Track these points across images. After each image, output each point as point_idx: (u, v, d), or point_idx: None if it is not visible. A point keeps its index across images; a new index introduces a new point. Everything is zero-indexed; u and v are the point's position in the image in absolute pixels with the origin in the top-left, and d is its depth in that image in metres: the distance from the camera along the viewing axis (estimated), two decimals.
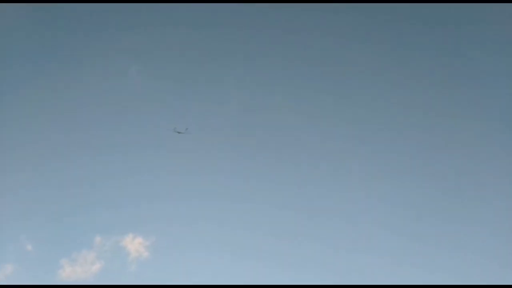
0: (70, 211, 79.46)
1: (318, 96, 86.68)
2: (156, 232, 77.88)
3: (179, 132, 78.65)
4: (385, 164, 79.08)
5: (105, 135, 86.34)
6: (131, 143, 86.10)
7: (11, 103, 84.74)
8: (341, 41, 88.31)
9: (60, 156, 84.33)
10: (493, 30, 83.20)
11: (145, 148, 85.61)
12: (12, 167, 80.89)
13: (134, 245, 76.88)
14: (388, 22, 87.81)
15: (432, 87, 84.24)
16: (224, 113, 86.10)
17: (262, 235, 75.90)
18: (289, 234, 74.86)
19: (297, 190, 78.41)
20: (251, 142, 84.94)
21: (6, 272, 72.00)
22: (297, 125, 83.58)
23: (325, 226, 74.30)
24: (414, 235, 72.01)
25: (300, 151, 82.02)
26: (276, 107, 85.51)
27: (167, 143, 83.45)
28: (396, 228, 73.27)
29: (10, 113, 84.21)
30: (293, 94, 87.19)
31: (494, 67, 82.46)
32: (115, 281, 73.14)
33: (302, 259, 71.78)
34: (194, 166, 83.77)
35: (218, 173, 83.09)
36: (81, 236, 77.04)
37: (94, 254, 75.81)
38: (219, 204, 79.60)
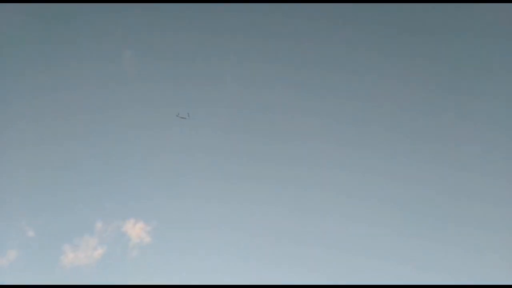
0: (71, 196, 79.58)
1: (318, 95, 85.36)
2: (157, 217, 77.94)
3: (182, 117, 77.50)
4: (385, 164, 78.25)
5: (104, 120, 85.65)
6: (132, 127, 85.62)
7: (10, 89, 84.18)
8: (342, 41, 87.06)
9: (61, 141, 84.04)
10: (493, 30, 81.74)
11: (148, 132, 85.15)
12: (14, 154, 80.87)
13: (136, 230, 76.93)
14: (388, 22, 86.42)
15: (433, 86, 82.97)
16: (223, 98, 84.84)
17: (263, 223, 75.86)
18: (291, 225, 74.61)
19: (300, 186, 78.09)
20: (253, 128, 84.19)
21: (10, 258, 72.64)
22: (298, 124, 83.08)
23: (326, 226, 73.79)
24: (414, 235, 71.53)
25: (301, 151, 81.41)
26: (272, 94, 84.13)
27: (170, 127, 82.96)
28: (396, 228, 72.74)
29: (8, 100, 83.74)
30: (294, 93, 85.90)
31: (494, 67, 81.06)
32: (118, 266, 73.96)
33: (304, 258, 71.37)
34: (197, 152, 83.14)
35: (222, 159, 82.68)
36: (83, 222, 77.18)
37: (96, 240, 76.14)
38: (222, 191, 79.49)
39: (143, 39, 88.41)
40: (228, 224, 76.10)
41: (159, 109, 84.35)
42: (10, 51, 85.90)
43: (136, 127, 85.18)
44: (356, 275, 67.28)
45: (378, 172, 76.95)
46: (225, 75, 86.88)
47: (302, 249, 71.52)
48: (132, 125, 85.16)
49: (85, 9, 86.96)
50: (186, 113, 76.75)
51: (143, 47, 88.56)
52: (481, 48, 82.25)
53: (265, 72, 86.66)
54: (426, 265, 67.71)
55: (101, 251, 75.14)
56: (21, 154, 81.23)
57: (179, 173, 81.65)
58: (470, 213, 71.54)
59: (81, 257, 74.49)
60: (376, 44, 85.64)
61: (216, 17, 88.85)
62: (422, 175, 75.69)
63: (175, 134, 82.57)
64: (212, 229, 76.10)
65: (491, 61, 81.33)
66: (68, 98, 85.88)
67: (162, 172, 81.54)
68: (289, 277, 67.64)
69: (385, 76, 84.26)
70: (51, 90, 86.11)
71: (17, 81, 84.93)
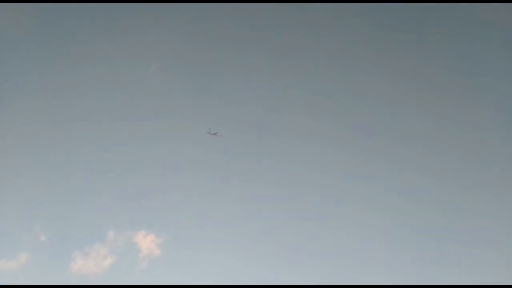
0: (86, 204, 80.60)
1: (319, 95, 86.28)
2: (168, 230, 78.46)
3: (212, 134, 78.59)
4: (386, 164, 78.53)
5: (124, 129, 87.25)
6: (149, 138, 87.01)
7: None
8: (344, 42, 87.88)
9: (81, 148, 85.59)
10: (493, 30, 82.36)
11: (165, 144, 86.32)
12: (30, 158, 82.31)
13: (146, 242, 77.32)
14: (388, 22, 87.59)
15: (433, 87, 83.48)
16: (242, 113, 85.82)
17: (272, 236, 76.18)
18: (298, 235, 74.89)
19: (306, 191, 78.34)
20: (267, 144, 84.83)
21: (21, 261, 73.18)
22: (302, 126, 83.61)
23: (328, 226, 74.20)
24: (415, 234, 71.49)
25: (303, 153, 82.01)
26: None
27: (188, 141, 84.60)
28: (396, 228, 72.60)
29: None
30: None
31: (494, 67, 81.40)
32: (126, 277, 74.03)
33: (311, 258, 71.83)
34: (213, 167, 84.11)
35: (234, 175, 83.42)
36: (95, 230, 77.91)
37: (106, 249, 76.57)
38: (233, 206, 79.92)
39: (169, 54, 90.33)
40: (239, 242, 76.63)
41: (178, 122, 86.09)
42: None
43: (154, 138, 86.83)
44: (356, 275, 67.29)
45: (378, 172, 77.50)
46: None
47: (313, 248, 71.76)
48: (150, 136, 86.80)
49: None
50: (216, 131, 77.53)
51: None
52: (481, 48, 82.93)
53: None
54: (426, 265, 67.79)
55: (111, 261, 75.64)
56: (39, 159, 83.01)
57: (194, 189, 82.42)
58: (470, 212, 71.61)
59: (90, 265, 74.99)
60: (376, 43, 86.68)
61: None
62: (422, 175, 75.94)
63: (190, 148, 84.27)
64: (223, 247, 76.54)
65: (492, 61, 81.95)
66: (88, 107, 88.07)
67: (177, 187, 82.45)
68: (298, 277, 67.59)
69: (385, 75, 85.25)
70: (72, 96, 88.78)
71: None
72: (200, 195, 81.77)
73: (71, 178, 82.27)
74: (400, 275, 66.24)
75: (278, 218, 77.91)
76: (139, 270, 75.17)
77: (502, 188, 72.52)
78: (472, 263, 67.00)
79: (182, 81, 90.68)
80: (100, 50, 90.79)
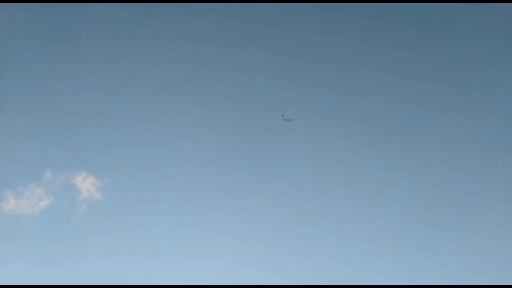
0: (20, 139, 74.18)
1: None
2: (110, 173, 73.87)
3: (286, 120, 72.70)
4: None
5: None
6: None
7: None
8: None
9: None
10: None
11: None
12: None
13: (86, 184, 72.71)
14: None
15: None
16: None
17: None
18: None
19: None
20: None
21: None
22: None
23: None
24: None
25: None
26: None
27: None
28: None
29: None
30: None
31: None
32: (63, 219, 69.85)
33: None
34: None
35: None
36: (30, 169, 72.27)
37: (42, 190, 71.44)
38: (181, 154, 76.37)
39: None
40: (188, 193, 73.55)
41: None
42: None
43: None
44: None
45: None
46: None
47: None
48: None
49: None
50: (291, 117, 72.52)
51: None
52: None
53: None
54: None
55: (47, 202, 70.78)
56: None
57: (141, 135, 77.70)
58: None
59: (24, 206, 69.87)
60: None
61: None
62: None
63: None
64: (167, 194, 73.32)
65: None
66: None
67: (125, 132, 77.64)
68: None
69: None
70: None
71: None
72: (148, 143, 77.19)
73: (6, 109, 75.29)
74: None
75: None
76: (78, 213, 71.20)
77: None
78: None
79: None
80: None
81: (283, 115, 72.05)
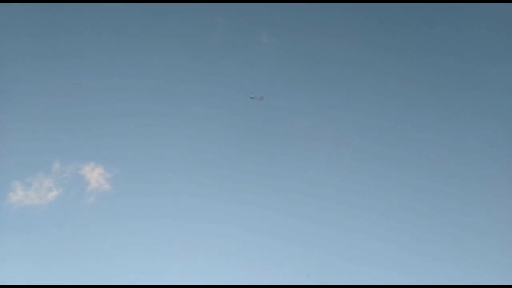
0: (29, 130, 73.28)
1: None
2: (120, 164, 72.77)
3: (252, 98, 73.51)
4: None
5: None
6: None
7: None
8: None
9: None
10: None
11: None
12: None
13: (95, 175, 71.75)
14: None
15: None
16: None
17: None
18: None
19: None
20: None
21: None
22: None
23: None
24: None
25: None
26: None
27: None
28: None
29: None
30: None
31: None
32: (71, 211, 68.95)
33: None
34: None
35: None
36: (38, 159, 71.32)
37: (51, 180, 70.63)
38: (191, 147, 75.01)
39: None
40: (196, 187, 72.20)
41: None
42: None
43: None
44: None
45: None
46: None
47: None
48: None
49: None
50: (259, 96, 72.85)
51: None
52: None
53: None
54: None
55: (56, 193, 69.94)
56: None
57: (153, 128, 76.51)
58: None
59: (32, 197, 69.12)
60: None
61: None
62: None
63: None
64: (176, 186, 71.99)
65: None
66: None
67: (136, 123, 76.30)
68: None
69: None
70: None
71: None
72: (159, 134, 75.80)
73: (17, 100, 74.35)
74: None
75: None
76: (87, 204, 70.28)
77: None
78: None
79: None
80: None
81: (252, 93, 72.16)
